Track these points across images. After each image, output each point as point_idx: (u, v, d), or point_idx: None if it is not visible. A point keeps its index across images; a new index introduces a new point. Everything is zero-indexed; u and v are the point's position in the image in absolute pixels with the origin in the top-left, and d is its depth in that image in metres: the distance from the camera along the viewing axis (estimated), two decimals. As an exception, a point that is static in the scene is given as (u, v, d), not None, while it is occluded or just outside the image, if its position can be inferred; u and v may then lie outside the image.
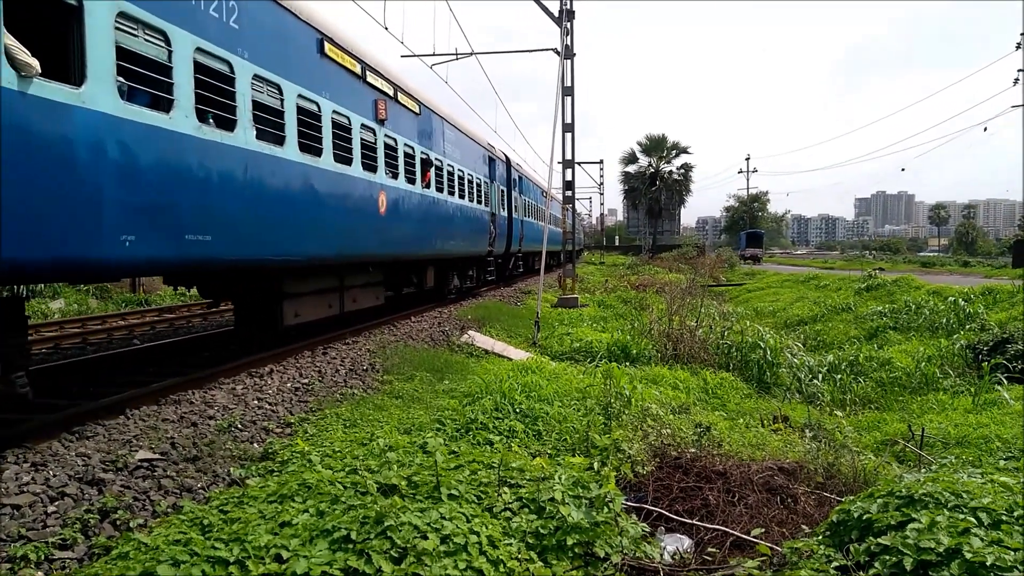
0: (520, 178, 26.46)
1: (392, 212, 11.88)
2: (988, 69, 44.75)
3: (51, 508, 4.24)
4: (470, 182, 17.91)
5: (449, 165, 15.87)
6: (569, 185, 22.46)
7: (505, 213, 22.85)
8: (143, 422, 6.02)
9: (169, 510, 4.47)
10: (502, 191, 22.55)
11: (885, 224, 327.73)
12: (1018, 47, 35.16)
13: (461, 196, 16.89)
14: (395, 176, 12.07)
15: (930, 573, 2.92)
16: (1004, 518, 3.13)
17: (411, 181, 12.97)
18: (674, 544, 4.18)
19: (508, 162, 24.14)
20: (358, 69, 10.50)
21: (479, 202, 18.83)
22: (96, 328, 12.68)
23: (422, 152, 13.77)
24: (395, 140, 12.15)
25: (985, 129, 41.04)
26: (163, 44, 6.24)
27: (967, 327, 14.65)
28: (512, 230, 23.74)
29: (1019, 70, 35.57)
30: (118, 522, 4.21)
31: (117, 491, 4.56)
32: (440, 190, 14.99)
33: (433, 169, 14.50)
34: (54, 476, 4.63)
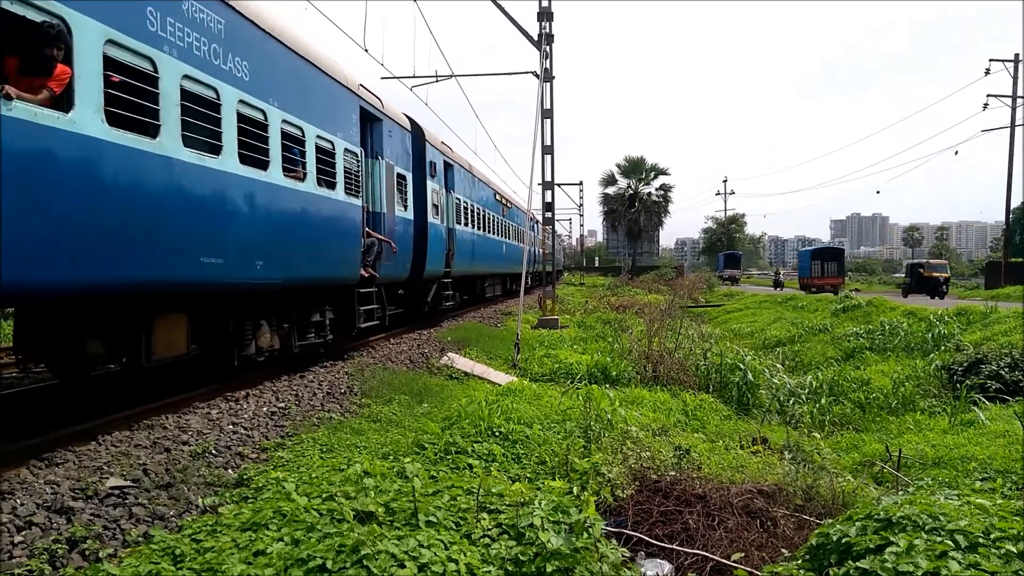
0: (449, 166, 18.53)
1: None
2: (959, 93, 45.84)
3: (18, 538, 4.12)
4: (297, 139, 9.32)
5: (243, 99, 7.86)
6: (549, 206, 22.57)
7: (410, 215, 14.78)
8: (115, 448, 5.90)
9: (140, 539, 4.36)
10: (401, 177, 14.18)
11: (860, 245, 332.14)
12: (987, 72, 36.02)
13: (260, 165, 8.30)
14: None
15: (909, 597, 2.92)
16: (981, 541, 3.15)
17: (64, 106, 5.30)
18: (654, 570, 4.15)
19: (420, 136, 15.90)
20: None
21: (329, 186, 10.32)
22: None
23: (100, 31, 5.67)
24: None
25: (956, 152, 41.96)
26: None
27: (942, 348, 14.85)
28: (428, 243, 15.76)
29: (988, 95, 36.38)
30: (87, 552, 4.09)
31: (87, 520, 4.45)
32: (190, 143, 6.95)
33: (154, 85, 6.39)
34: (21, 505, 4.51)
